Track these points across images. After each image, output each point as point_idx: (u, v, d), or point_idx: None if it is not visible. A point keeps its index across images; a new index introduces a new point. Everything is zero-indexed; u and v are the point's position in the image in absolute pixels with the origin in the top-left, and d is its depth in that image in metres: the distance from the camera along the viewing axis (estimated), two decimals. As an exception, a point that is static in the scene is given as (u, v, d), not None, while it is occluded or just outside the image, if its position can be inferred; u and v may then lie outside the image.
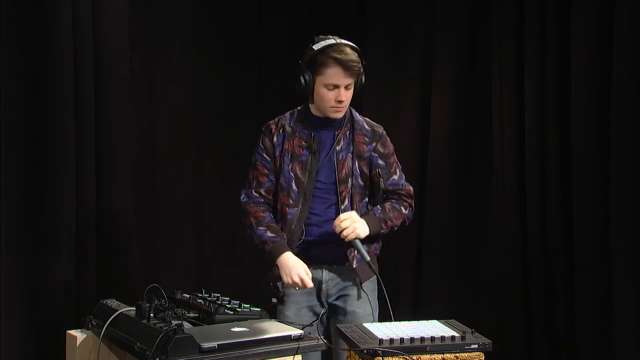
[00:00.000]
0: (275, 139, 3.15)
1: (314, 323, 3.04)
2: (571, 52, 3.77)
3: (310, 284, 3.02)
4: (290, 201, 3.11)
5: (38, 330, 3.46)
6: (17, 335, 3.41)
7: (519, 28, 4.00)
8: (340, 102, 3.02)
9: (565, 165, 3.83)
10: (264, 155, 3.16)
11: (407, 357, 2.53)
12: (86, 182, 3.57)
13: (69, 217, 3.50)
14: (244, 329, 2.53)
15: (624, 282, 3.53)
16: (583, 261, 3.75)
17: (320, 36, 3.06)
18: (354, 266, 3.11)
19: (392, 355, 2.53)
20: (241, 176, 3.78)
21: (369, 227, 3.06)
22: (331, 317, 3.20)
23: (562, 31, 3.83)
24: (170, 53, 4.19)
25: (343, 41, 3.02)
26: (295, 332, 2.54)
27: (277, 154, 3.14)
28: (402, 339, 2.57)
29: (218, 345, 2.37)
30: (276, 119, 3.21)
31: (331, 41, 3.01)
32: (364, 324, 2.80)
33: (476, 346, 2.62)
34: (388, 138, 3.21)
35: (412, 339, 2.57)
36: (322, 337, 2.68)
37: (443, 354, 2.60)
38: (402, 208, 3.18)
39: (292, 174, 3.11)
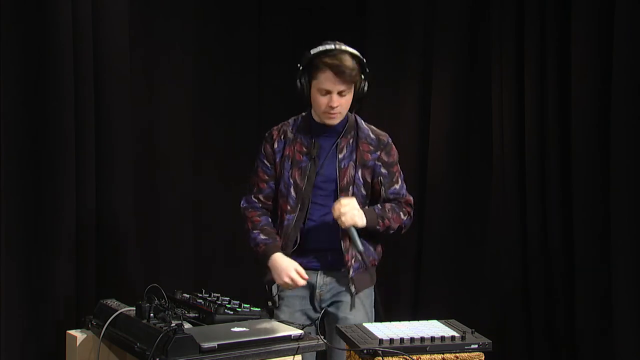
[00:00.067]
0: (276, 145, 3.15)
1: (311, 324, 3.04)
2: (571, 52, 3.77)
3: (301, 282, 3.02)
4: (288, 207, 3.11)
5: (38, 330, 3.46)
6: (17, 335, 3.41)
7: (519, 28, 4.00)
8: (332, 107, 3.00)
9: (565, 165, 3.83)
10: (265, 161, 3.17)
11: (407, 357, 2.53)
12: (86, 182, 3.57)
13: (69, 217, 3.50)
14: (244, 329, 2.54)
15: (624, 282, 3.53)
16: (583, 261, 3.75)
17: (327, 41, 3.03)
18: (351, 275, 3.10)
19: (392, 355, 2.53)
20: (241, 176, 3.78)
21: (366, 218, 3.04)
22: (325, 323, 3.19)
23: (562, 31, 3.83)
24: (170, 53, 4.19)
25: (343, 47, 2.99)
26: (295, 332, 2.54)
27: (277, 160, 3.14)
28: (402, 339, 2.57)
29: (218, 345, 2.37)
30: (280, 124, 3.20)
31: (329, 46, 2.99)
32: (364, 324, 2.80)
33: (476, 346, 2.62)
34: (394, 146, 3.19)
35: (412, 339, 2.57)
36: (322, 337, 2.68)
37: (443, 354, 2.60)
38: (401, 213, 3.16)
39: (291, 180, 3.10)
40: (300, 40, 4.57)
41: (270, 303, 3.13)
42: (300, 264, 3.07)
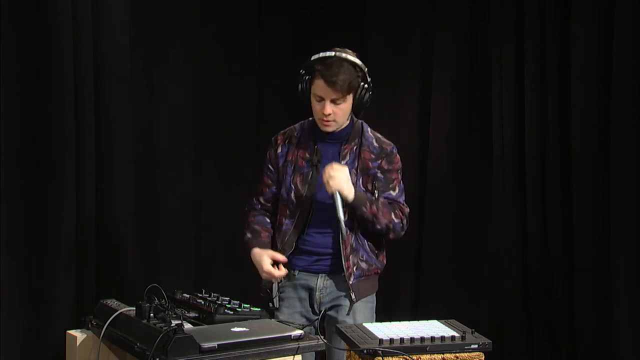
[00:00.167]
0: (279, 150, 3.16)
1: (312, 324, 3.04)
2: (571, 52, 3.77)
3: (277, 274, 3.03)
4: (287, 211, 3.11)
5: (38, 330, 3.46)
6: (17, 335, 3.41)
7: (519, 28, 4.00)
8: (324, 115, 3.00)
9: (565, 165, 3.83)
10: (269, 166, 3.19)
11: (407, 357, 2.53)
12: (86, 182, 3.57)
13: (69, 217, 3.50)
14: (244, 329, 2.54)
15: (624, 282, 3.53)
16: (583, 261, 3.75)
17: (335, 48, 3.02)
18: (351, 282, 3.09)
19: (392, 355, 2.53)
20: (241, 176, 3.81)
21: (355, 195, 3.00)
22: (325, 325, 3.18)
23: (562, 31, 3.83)
24: (170, 53, 4.19)
25: (343, 55, 2.97)
26: (295, 332, 2.54)
27: (280, 164, 3.15)
28: (402, 339, 2.57)
29: (218, 345, 2.37)
30: (287, 129, 3.21)
31: (329, 53, 2.98)
32: (364, 324, 2.80)
33: (476, 346, 2.62)
34: (397, 156, 3.16)
35: (412, 339, 2.57)
36: (322, 337, 2.68)
37: (443, 354, 2.60)
38: (393, 214, 3.10)
39: (292, 185, 3.11)
40: (300, 40, 4.59)
41: (270, 304, 3.14)
42: (302, 267, 3.10)
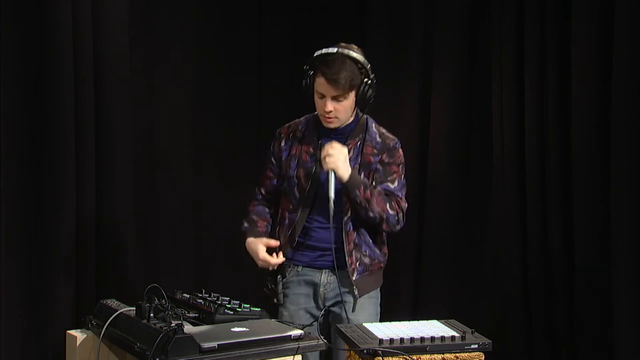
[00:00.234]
0: (283, 144, 3.16)
1: (313, 324, 3.04)
2: (571, 52, 3.77)
3: (273, 261, 3.05)
4: (291, 206, 3.12)
5: (38, 330, 3.46)
6: (17, 335, 3.41)
7: (519, 28, 4.00)
8: (326, 112, 2.99)
9: (565, 165, 3.83)
10: (272, 159, 3.20)
11: (407, 357, 2.53)
12: (86, 182, 3.57)
13: (69, 217, 3.50)
14: (244, 329, 2.54)
15: (624, 282, 3.53)
16: (583, 261, 3.75)
17: (341, 44, 3.01)
18: (354, 278, 3.10)
19: (392, 355, 2.53)
20: (241, 176, 3.81)
21: (350, 176, 2.99)
22: (330, 321, 3.19)
23: (562, 31, 3.83)
24: (170, 53, 4.19)
25: (345, 51, 2.96)
26: (295, 332, 2.54)
27: (283, 158, 3.15)
28: (402, 339, 2.57)
29: (218, 345, 2.37)
30: (292, 122, 3.21)
31: (331, 50, 2.97)
32: (364, 324, 2.80)
33: (476, 346, 2.62)
34: (400, 151, 3.15)
35: (412, 339, 2.57)
36: (322, 337, 2.68)
37: (443, 354, 2.60)
38: (389, 204, 3.06)
39: (295, 180, 3.11)
40: (300, 40, 4.59)
41: (275, 300, 3.14)
42: (305, 263, 3.11)
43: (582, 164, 3.74)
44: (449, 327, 2.76)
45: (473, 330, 2.69)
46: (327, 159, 2.97)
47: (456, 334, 2.64)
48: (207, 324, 2.63)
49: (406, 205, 3.15)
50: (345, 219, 3.08)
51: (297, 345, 2.50)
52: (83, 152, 3.54)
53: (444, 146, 4.37)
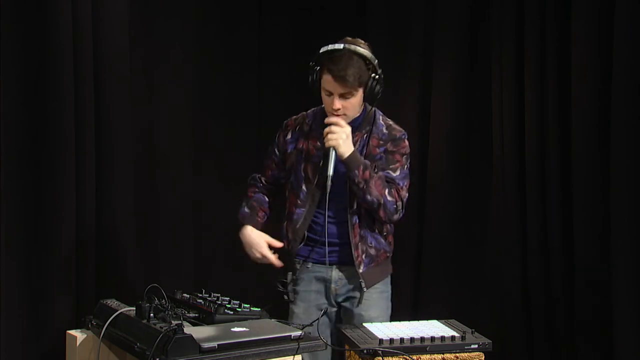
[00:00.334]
0: (289, 136, 3.15)
1: (317, 320, 3.03)
2: (571, 52, 3.76)
3: (276, 262, 3.06)
4: (298, 201, 3.11)
5: (38, 330, 3.46)
6: (17, 335, 3.40)
7: (519, 28, 4.00)
8: (334, 109, 2.98)
9: (565, 165, 3.83)
10: (275, 150, 3.20)
11: (407, 357, 2.53)
12: (86, 182, 3.56)
13: (69, 217, 3.50)
14: (244, 329, 2.54)
15: (624, 282, 3.53)
16: (583, 261, 3.75)
17: (347, 38, 2.99)
18: (360, 270, 3.09)
19: (392, 355, 2.54)
20: (241, 176, 3.78)
21: (351, 153, 2.97)
22: (342, 316, 3.19)
23: (562, 31, 3.83)
24: (170, 53, 4.19)
25: (352, 47, 2.93)
26: (295, 332, 2.54)
27: (288, 150, 3.14)
28: (402, 339, 2.57)
29: (218, 345, 2.37)
30: (299, 114, 3.20)
31: (337, 46, 2.95)
32: (364, 324, 2.81)
33: (476, 346, 2.62)
34: (406, 142, 3.13)
35: (412, 339, 2.58)
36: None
37: (443, 354, 2.60)
38: (387, 190, 3.01)
39: (303, 174, 3.10)
40: (300, 40, 4.59)
41: (285, 297, 3.14)
42: (315, 259, 3.10)
43: (582, 164, 3.74)
44: (449, 327, 2.76)
45: (473, 330, 2.70)
46: (329, 136, 2.95)
47: (456, 334, 2.64)
48: (207, 324, 2.63)
49: (407, 195, 3.10)
50: (351, 211, 3.07)
51: (297, 345, 2.50)
52: (83, 152, 3.54)
53: (444, 146, 4.37)
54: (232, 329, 2.53)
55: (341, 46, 2.94)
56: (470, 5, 4.31)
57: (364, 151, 3.07)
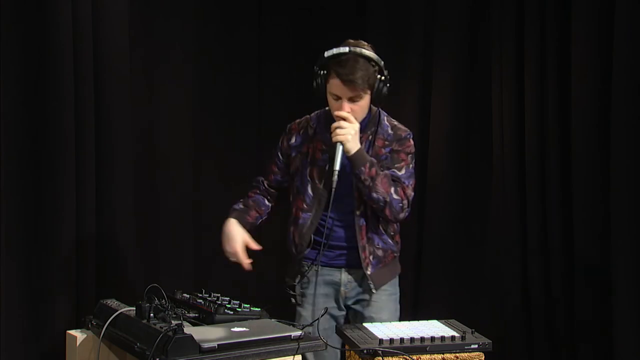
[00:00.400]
0: (293, 140, 3.14)
1: (317, 320, 3.02)
2: (571, 52, 3.77)
3: (244, 261, 3.05)
4: (305, 205, 3.10)
5: (38, 330, 3.46)
6: (17, 335, 3.40)
7: (519, 28, 4.00)
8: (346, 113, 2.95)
9: (565, 165, 3.83)
10: (279, 154, 3.19)
11: (407, 357, 2.53)
12: (86, 182, 3.57)
13: (69, 217, 3.50)
14: (244, 329, 2.54)
15: (624, 282, 3.53)
16: (583, 261, 3.75)
17: (348, 40, 2.98)
18: (368, 272, 3.08)
19: (392, 355, 2.54)
20: (241, 176, 3.81)
21: (357, 150, 2.94)
22: (351, 319, 3.18)
23: (562, 31, 3.83)
24: (170, 53, 4.19)
25: (358, 50, 2.91)
26: (295, 332, 2.54)
27: (292, 155, 3.14)
28: (402, 339, 2.57)
29: (218, 345, 2.37)
30: (302, 118, 3.18)
31: (343, 49, 2.93)
32: (364, 324, 2.80)
33: (476, 346, 2.62)
34: (411, 142, 3.11)
35: (412, 339, 2.58)
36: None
37: (443, 354, 2.60)
38: (394, 188, 2.99)
39: (309, 178, 3.09)
40: (300, 40, 4.59)
41: (292, 300, 3.13)
42: (323, 262, 3.09)
43: (582, 164, 3.74)
44: (449, 327, 2.76)
45: (473, 330, 2.70)
46: (337, 131, 2.93)
47: (456, 334, 2.64)
48: (207, 324, 2.63)
49: (412, 194, 3.08)
50: (358, 213, 3.06)
51: (297, 345, 2.50)
52: (83, 152, 3.54)
53: (444, 146, 4.37)
54: (232, 329, 2.53)
55: (347, 49, 2.92)
56: (470, 5, 4.31)
57: (370, 152, 3.05)
